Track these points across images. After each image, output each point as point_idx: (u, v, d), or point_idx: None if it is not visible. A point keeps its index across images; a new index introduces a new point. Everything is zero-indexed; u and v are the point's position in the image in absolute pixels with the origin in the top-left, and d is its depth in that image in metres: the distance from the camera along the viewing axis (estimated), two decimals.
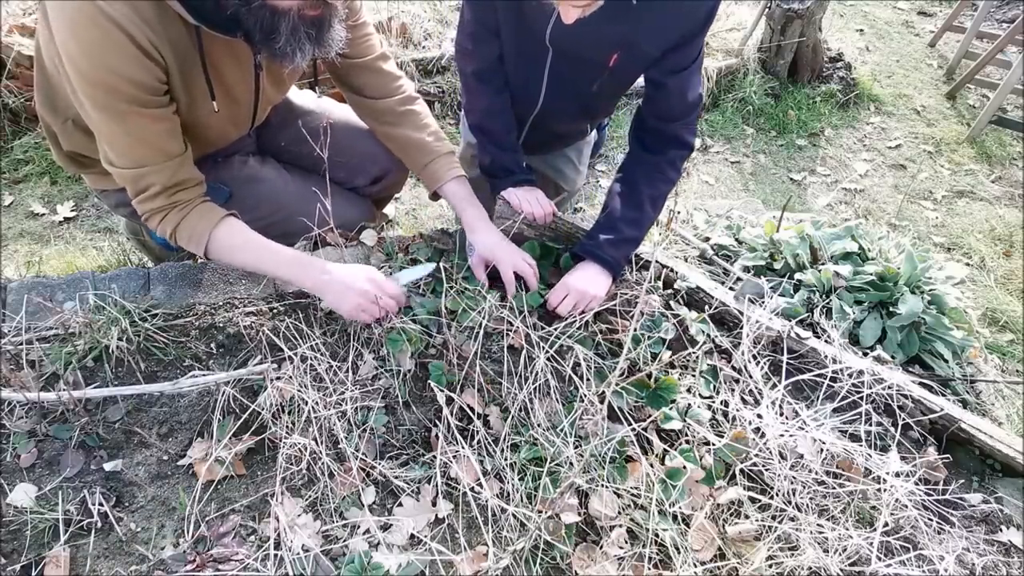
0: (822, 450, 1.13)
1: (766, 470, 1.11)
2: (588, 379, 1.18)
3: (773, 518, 1.06)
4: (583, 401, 1.15)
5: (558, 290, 1.33)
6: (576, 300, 1.31)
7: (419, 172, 1.47)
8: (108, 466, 1.05)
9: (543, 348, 1.21)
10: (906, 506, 1.08)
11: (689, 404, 1.21)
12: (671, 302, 1.40)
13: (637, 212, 1.38)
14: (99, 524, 0.98)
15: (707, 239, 1.74)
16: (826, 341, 1.34)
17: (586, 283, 1.33)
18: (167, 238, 1.21)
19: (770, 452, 1.10)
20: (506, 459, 1.08)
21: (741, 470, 1.12)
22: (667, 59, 1.28)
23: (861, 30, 4.97)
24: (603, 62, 1.32)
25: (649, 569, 0.99)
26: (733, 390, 1.24)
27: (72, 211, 2.46)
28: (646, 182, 1.39)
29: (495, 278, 1.35)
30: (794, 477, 1.09)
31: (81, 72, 0.99)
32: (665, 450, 1.16)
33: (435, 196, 1.49)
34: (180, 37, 1.05)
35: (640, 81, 1.40)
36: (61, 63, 1.03)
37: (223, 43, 1.11)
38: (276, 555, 0.95)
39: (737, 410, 1.20)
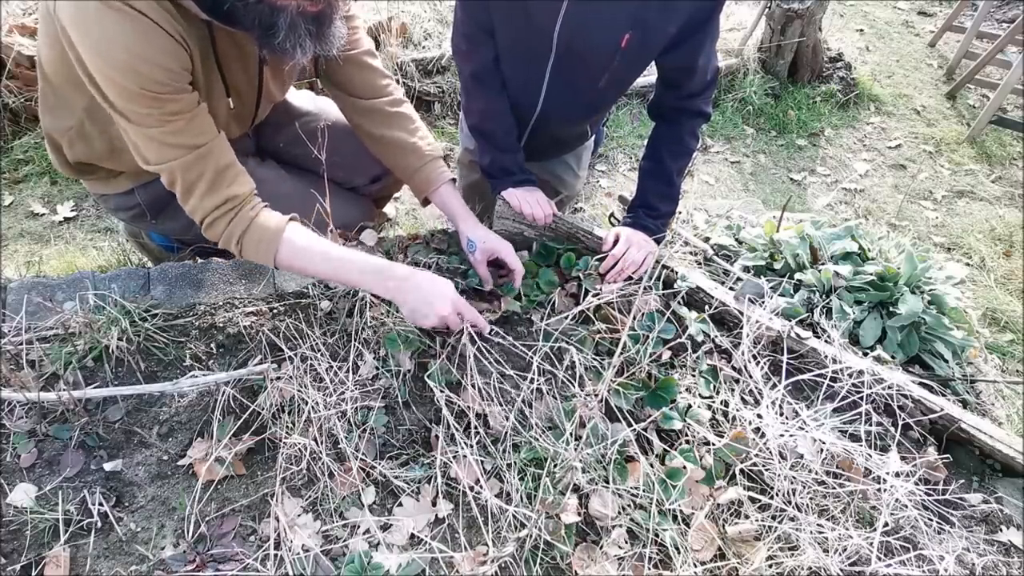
0: (822, 450, 1.13)
1: (766, 470, 1.11)
2: (586, 379, 1.18)
3: (773, 518, 1.06)
4: (582, 399, 1.15)
5: (618, 245, 1.40)
6: (631, 244, 1.40)
7: (409, 176, 1.44)
8: (108, 466, 1.05)
9: (543, 347, 1.20)
10: (906, 506, 1.08)
11: (689, 404, 1.21)
12: (671, 302, 1.40)
13: (667, 187, 1.51)
14: (99, 524, 0.98)
15: (707, 239, 1.74)
16: (826, 341, 1.34)
17: (638, 235, 1.43)
18: (233, 248, 1.16)
19: (770, 452, 1.10)
20: (506, 459, 1.08)
21: (741, 470, 1.11)
22: (682, 38, 1.29)
23: (861, 30, 4.97)
24: (615, 46, 1.30)
25: (649, 569, 0.98)
26: (733, 390, 1.24)
27: (72, 211, 2.46)
28: (671, 157, 1.50)
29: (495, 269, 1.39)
30: (794, 477, 1.09)
31: (115, 66, 0.97)
32: (665, 450, 1.16)
33: (426, 202, 1.47)
34: (195, 31, 1.05)
35: (641, 81, 1.41)
36: (68, 70, 1.02)
37: (228, 37, 1.11)
38: (276, 555, 0.95)
39: (737, 410, 1.20)
